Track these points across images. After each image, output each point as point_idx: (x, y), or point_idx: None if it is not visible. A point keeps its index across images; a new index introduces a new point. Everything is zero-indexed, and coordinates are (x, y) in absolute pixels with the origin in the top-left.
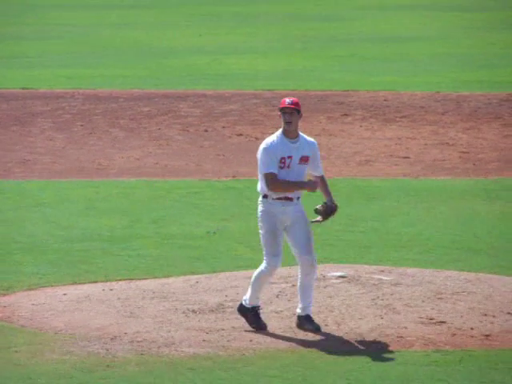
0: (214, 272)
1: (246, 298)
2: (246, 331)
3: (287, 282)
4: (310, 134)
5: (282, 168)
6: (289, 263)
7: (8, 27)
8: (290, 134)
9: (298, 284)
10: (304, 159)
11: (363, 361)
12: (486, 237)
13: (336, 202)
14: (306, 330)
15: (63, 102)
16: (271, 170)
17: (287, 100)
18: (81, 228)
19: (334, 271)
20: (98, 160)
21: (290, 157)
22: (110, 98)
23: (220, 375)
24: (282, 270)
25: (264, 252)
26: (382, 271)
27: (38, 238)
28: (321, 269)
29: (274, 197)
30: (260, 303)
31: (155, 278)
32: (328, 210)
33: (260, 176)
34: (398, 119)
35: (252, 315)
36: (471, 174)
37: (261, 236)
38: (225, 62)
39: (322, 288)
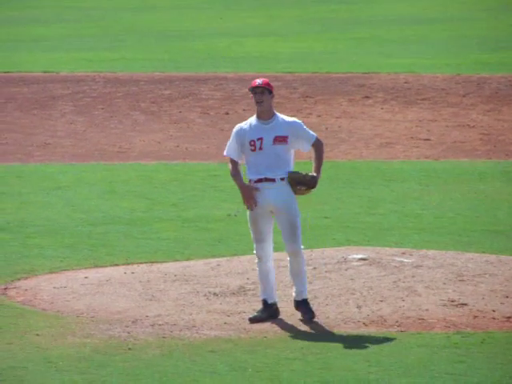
0: (235, 255)
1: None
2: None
3: (308, 265)
4: (331, 117)
5: (252, 151)
6: (310, 246)
7: (28, 11)
8: (263, 114)
9: (289, 269)
10: (279, 139)
11: (384, 343)
12: (507, 218)
13: (314, 177)
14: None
15: (84, 86)
16: (228, 154)
17: (258, 80)
18: (101, 211)
19: (355, 254)
20: (118, 143)
21: (259, 138)
22: (131, 81)
23: (241, 358)
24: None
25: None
26: (403, 253)
27: (59, 221)
28: (342, 251)
29: (254, 179)
30: (275, 298)
31: (176, 260)
32: (310, 184)
33: None
34: (418, 101)
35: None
36: (492, 155)
37: None
38: (245, 45)
39: (344, 270)
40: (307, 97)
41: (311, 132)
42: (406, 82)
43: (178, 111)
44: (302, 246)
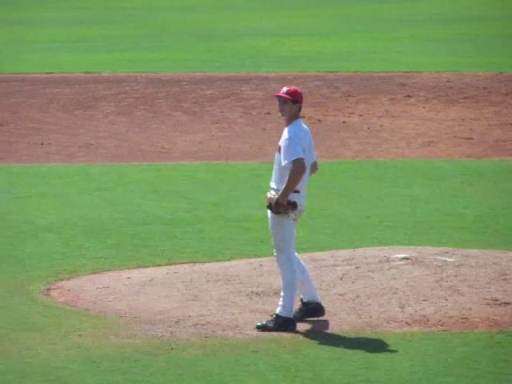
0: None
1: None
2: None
3: (350, 265)
4: (372, 116)
5: None
6: (351, 245)
7: (70, 12)
8: (285, 122)
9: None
10: (279, 148)
11: (427, 343)
12: None
13: (275, 200)
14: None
15: (126, 86)
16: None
17: (284, 89)
18: (144, 211)
19: (398, 253)
20: (160, 143)
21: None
22: (173, 81)
23: (283, 357)
24: (345, 253)
25: None
26: (446, 252)
27: (101, 221)
28: (384, 251)
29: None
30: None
31: (218, 260)
32: (268, 205)
33: None
34: (460, 100)
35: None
36: None
37: None
38: (287, 44)
39: (386, 270)
40: (349, 96)
41: (291, 153)
42: (447, 81)
43: (219, 111)
44: (286, 260)
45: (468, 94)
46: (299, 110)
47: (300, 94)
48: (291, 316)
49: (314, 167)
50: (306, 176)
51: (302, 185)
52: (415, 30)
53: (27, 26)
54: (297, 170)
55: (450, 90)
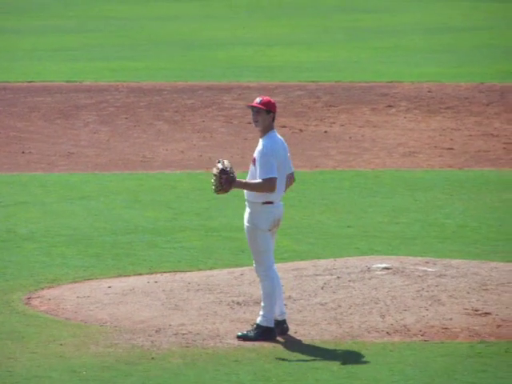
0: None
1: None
2: (290, 323)
3: (332, 274)
4: (354, 126)
5: None
6: (333, 255)
7: (51, 20)
8: (260, 133)
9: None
10: (253, 160)
11: (408, 352)
12: None
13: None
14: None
15: (107, 95)
16: None
17: (257, 99)
18: (125, 220)
19: (379, 263)
20: (142, 152)
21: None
22: (154, 90)
23: (264, 367)
24: (326, 262)
25: None
26: (427, 263)
27: (83, 230)
28: (365, 260)
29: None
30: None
31: (200, 270)
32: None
33: None
34: (442, 110)
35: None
36: None
37: None
38: (268, 54)
39: (367, 280)
40: (330, 106)
41: (266, 171)
42: (429, 91)
43: (201, 120)
44: (267, 273)
45: (449, 105)
46: (273, 120)
47: (273, 104)
48: (272, 325)
49: (291, 178)
50: (281, 188)
51: (277, 196)
52: (397, 40)
53: (8, 35)
54: (265, 187)
55: (432, 100)
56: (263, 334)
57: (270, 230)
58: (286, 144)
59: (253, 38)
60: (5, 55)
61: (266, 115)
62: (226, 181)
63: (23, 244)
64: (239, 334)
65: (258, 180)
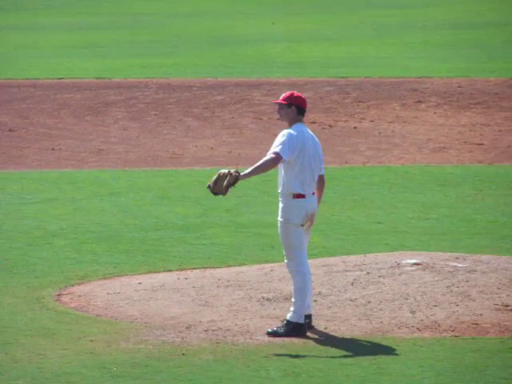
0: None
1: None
2: (320, 319)
3: (361, 270)
4: (383, 121)
5: None
6: (363, 251)
7: (81, 17)
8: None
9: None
10: None
11: (438, 348)
12: None
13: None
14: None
15: (137, 92)
16: None
17: (282, 95)
18: (155, 217)
19: (409, 258)
20: (171, 149)
21: None
22: (184, 86)
23: (294, 363)
24: (356, 258)
25: None
26: (457, 258)
27: (113, 227)
28: (395, 256)
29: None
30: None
31: (229, 266)
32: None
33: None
34: (471, 106)
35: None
36: None
37: None
38: (297, 50)
39: (397, 275)
40: (360, 101)
41: (274, 146)
42: (459, 87)
43: (230, 117)
44: (298, 268)
45: (479, 100)
46: (298, 113)
47: (296, 97)
48: (302, 321)
49: (321, 181)
50: (311, 181)
51: (308, 189)
52: (426, 36)
53: (38, 32)
54: (268, 161)
55: (461, 95)
56: (293, 329)
57: (302, 225)
58: (317, 140)
59: (282, 33)
60: (34, 52)
61: (287, 109)
62: (228, 183)
63: (53, 241)
64: (269, 330)
65: (262, 161)
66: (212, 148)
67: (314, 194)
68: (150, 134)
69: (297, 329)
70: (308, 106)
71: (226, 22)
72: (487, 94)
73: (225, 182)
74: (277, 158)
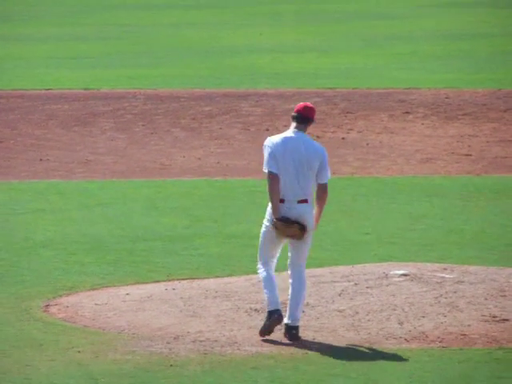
0: (276, 271)
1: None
2: (308, 330)
3: (349, 281)
4: (371, 132)
5: None
6: (351, 261)
7: (69, 28)
8: None
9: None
10: None
11: (426, 359)
12: None
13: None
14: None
15: (124, 102)
16: None
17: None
18: (142, 227)
19: (397, 269)
20: (159, 160)
21: None
22: (171, 97)
23: (283, 374)
24: (344, 269)
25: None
26: (445, 269)
27: (101, 237)
28: (383, 267)
29: None
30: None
31: (217, 277)
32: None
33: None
34: (459, 117)
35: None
36: None
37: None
38: (286, 61)
39: (385, 286)
40: (348, 112)
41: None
42: (446, 98)
43: (218, 127)
44: (259, 266)
45: (467, 111)
46: (292, 119)
47: (295, 108)
48: (271, 308)
49: (320, 190)
50: (290, 186)
51: (287, 194)
52: (414, 47)
53: (26, 42)
54: (268, 182)
55: (449, 106)
56: (268, 317)
57: (276, 228)
58: (317, 147)
59: (270, 44)
60: (22, 63)
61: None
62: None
63: (41, 251)
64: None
65: None
66: (200, 159)
67: (303, 201)
68: (138, 145)
69: (269, 315)
70: None
71: (214, 33)
72: (475, 105)
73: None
74: (268, 176)
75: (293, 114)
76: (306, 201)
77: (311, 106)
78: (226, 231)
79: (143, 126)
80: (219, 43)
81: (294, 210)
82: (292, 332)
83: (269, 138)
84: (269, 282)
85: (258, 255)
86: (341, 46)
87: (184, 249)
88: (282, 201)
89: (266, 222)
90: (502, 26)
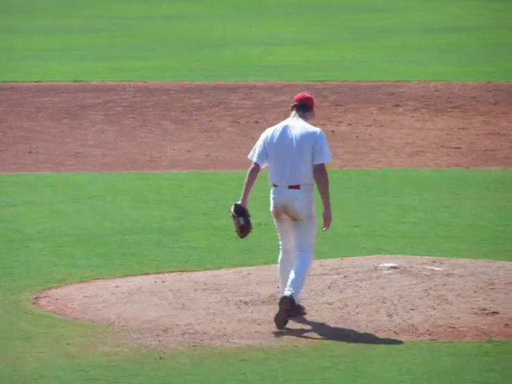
0: (266, 264)
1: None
2: (298, 322)
3: (339, 274)
4: (361, 125)
5: None
6: (340, 255)
7: (58, 20)
8: None
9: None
10: None
11: (415, 352)
12: None
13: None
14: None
15: (114, 95)
16: None
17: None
18: (132, 220)
19: (386, 262)
20: (149, 152)
21: None
22: (161, 90)
23: (272, 366)
24: (333, 262)
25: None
26: (434, 262)
27: (90, 230)
28: (372, 260)
29: None
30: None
31: (207, 269)
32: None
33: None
34: (449, 109)
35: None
36: None
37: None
38: (275, 54)
39: (374, 279)
40: (337, 105)
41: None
42: (436, 90)
43: (208, 120)
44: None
45: (456, 104)
46: (291, 109)
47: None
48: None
49: (316, 171)
50: (282, 171)
51: (277, 179)
52: (404, 40)
53: (15, 35)
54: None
55: (439, 99)
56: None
57: (277, 216)
58: (310, 130)
59: (260, 37)
60: (12, 55)
61: None
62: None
63: (30, 244)
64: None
65: None
66: (189, 151)
67: (294, 187)
68: (128, 138)
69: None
70: (285, 109)
71: (204, 26)
72: (464, 97)
73: (237, 225)
74: (251, 166)
75: (291, 103)
76: (297, 187)
77: (308, 95)
78: (216, 224)
79: (133, 118)
80: (209, 36)
81: (284, 195)
82: (282, 301)
83: (266, 130)
84: (280, 266)
85: None
86: (330, 38)
87: (173, 241)
88: (274, 186)
89: (270, 204)
90: (491, 19)
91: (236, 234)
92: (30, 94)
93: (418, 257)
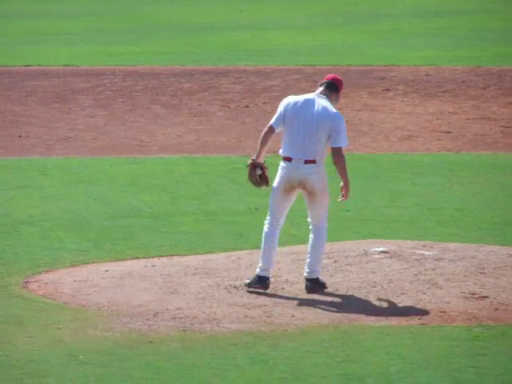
0: (256, 248)
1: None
2: (288, 307)
3: (329, 258)
4: (351, 110)
5: None
6: (331, 239)
7: (48, 4)
8: None
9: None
10: None
11: (405, 336)
12: None
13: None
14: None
15: (104, 79)
16: None
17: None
18: (122, 205)
19: (376, 246)
20: (139, 137)
21: None
22: (151, 74)
23: (262, 351)
24: None
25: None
26: (424, 246)
27: (80, 214)
28: (362, 244)
29: None
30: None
31: (197, 254)
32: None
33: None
34: (439, 94)
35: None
36: None
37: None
38: (266, 38)
39: (364, 263)
40: None
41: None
42: (426, 75)
43: (198, 104)
44: (266, 221)
45: (446, 88)
46: (319, 86)
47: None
48: (261, 274)
49: (333, 154)
50: (299, 145)
51: (293, 153)
52: (394, 24)
53: (5, 19)
54: (263, 132)
55: (429, 83)
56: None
57: (290, 189)
58: (330, 112)
59: (250, 21)
60: (1, 39)
61: None
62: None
63: (21, 228)
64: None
65: None
66: (180, 136)
67: (310, 161)
68: (118, 122)
69: (259, 280)
70: (275, 94)
71: (194, 10)
72: (455, 82)
73: (254, 176)
74: (266, 127)
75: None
76: (313, 161)
77: (340, 78)
78: (206, 208)
79: (123, 102)
80: (199, 20)
81: (300, 170)
82: (307, 284)
83: (288, 97)
84: (269, 239)
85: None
86: (321, 23)
87: (164, 226)
88: (289, 159)
89: (277, 177)
90: (480, 3)
91: (253, 186)
92: (20, 78)
93: (408, 241)
